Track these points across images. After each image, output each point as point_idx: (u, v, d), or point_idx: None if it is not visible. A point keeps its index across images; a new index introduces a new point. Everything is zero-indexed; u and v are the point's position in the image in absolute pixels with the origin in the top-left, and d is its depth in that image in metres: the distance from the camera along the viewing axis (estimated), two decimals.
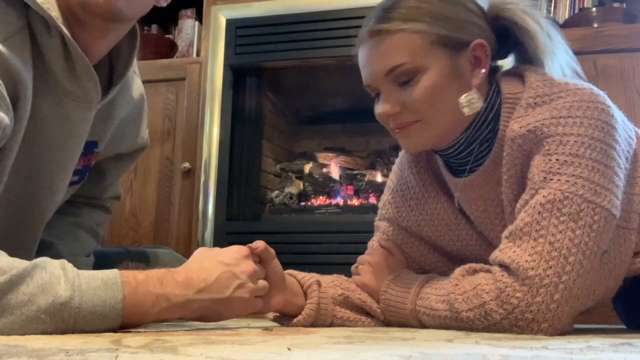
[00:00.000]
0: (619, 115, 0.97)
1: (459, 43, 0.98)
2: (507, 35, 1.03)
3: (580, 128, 0.91)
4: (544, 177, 0.91)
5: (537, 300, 0.86)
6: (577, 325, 0.99)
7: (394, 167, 1.22)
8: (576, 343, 0.72)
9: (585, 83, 0.99)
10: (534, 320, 0.87)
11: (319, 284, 1.05)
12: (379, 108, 1.01)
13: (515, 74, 1.04)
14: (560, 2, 2.21)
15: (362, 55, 1.02)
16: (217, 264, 0.85)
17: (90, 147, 1.10)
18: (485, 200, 1.05)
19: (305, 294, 1.04)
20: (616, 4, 2.16)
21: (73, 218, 1.22)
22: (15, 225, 1.02)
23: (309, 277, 1.06)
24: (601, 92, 0.96)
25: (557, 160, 0.91)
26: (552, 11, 2.20)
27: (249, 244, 0.94)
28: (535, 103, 0.96)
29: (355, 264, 1.15)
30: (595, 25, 2.02)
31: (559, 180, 0.90)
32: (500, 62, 1.10)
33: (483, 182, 1.03)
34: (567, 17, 2.17)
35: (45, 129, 0.97)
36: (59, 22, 0.89)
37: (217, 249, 0.91)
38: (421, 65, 0.96)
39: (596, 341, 0.75)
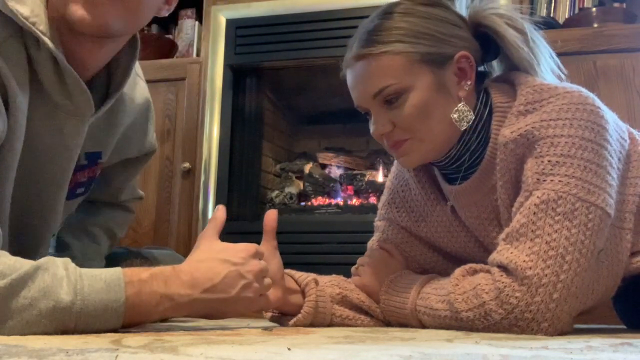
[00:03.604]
0: (609, 116, 0.97)
1: (442, 57, 0.99)
2: (490, 40, 1.03)
3: (570, 129, 0.92)
4: (537, 179, 0.92)
5: (537, 300, 0.87)
6: (577, 325, 0.99)
7: (393, 168, 1.22)
8: (576, 343, 0.72)
9: (574, 86, 0.99)
10: (533, 320, 0.87)
11: (316, 282, 1.06)
12: (372, 128, 1.04)
13: (505, 80, 1.05)
14: (560, 2, 2.21)
15: (350, 78, 1.04)
16: (223, 263, 0.84)
17: (94, 158, 1.09)
18: (479, 207, 1.05)
19: (303, 292, 1.05)
20: (616, 4, 2.16)
21: (91, 217, 1.22)
22: (19, 235, 1.01)
23: (306, 276, 1.06)
24: (590, 94, 0.97)
25: (549, 161, 0.92)
26: (552, 11, 2.20)
27: (266, 214, 1.01)
28: (526, 110, 0.97)
29: (355, 265, 1.15)
30: (595, 25, 2.02)
31: (552, 180, 0.91)
32: (488, 67, 1.11)
33: (475, 190, 1.04)
34: (567, 17, 2.17)
35: (36, 140, 0.95)
36: (46, 37, 0.87)
37: (223, 243, 0.89)
38: (407, 85, 0.98)
39: (596, 341, 0.75)
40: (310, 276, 1.06)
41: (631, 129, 1.06)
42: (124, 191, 1.29)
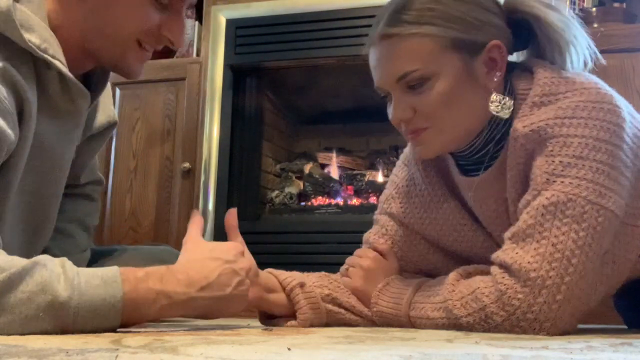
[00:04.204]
0: (627, 113, 0.94)
1: (474, 45, 0.95)
2: (523, 28, 0.99)
3: (584, 129, 0.90)
4: (547, 179, 0.90)
5: (539, 301, 0.86)
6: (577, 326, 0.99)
7: (399, 162, 1.18)
8: (576, 343, 0.72)
9: (593, 78, 0.96)
10: (536, 320, 0.86)
11: (301, 285, 1.02)
12: (392, 113, 0.99)
13: (526, 68, 1.01)
14: (560, 2, 2.21)
15: (373, 57, 0.99)
16: (217, 261, 0.85)
17: None
18: (497, 200, 1.02)
19: (288, 297, 1.02)
20: (616, 4, 2.16)
21: (58, 214, 1.20)
22: (29, 238, 1.03)
23: (291, 279, 1.02)
24: (609, 90, 0.94)
25: (560, 162, 0.90)
26: None
27: (227, 213, 1.00)
28: (541, 102, 0.94)
29: (345, 266, 1.11)
30: (595, 25, 2.02)
31: (562, 182, 0.89)
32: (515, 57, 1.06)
33: (495, 181, 1.01)
34: None
35: (45, 142, 0.98)
36: (57, 61, 0.92)
37: (211, 243, 0.91)
38: (434, 71, 0.94)
39: (596, 341, 0.75)
40: (295, 280, 1.02)
41: None
42: (85, 171, 1.26)
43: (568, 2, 2.19)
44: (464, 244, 1.09)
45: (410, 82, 0.95)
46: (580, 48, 0.99)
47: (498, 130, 0.99)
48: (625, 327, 1.22)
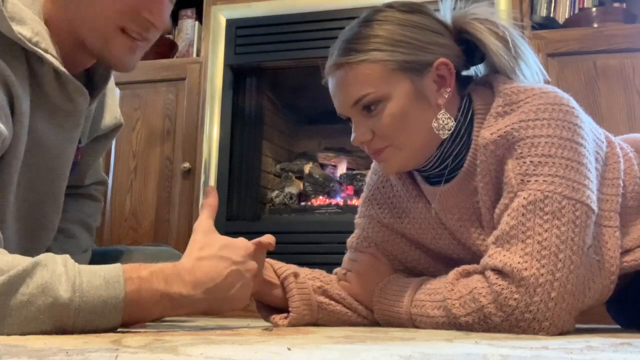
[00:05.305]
0: (584, 117, 0.99)
1: (421, 65, 0.99)
2: (475, 44, 1.03)
3: (548, 129, 0.93)
4: (521, 180, 0.93)
5: (536, 300, 0.87)
6: (577, 325, 0.99)
7: (373, 165, 1.21)
8: (576, 343, 0.72)
9: (550, 86, 1.00)
10: (534, 320, 0.87)
11: (295, 275, 1.05)
12: (352, 136, 1.05)
13: (485, 83, 1.05)
14: (560, 2, 2.21)
15: (331, 86, 1.05)
16: (225, 261, 0.84)
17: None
18: (461, 209, 1.05)
19: (282, 285, 1.05)
20: (616, 4, 2.16)
21: (61, 214, 1.21)
22: (26, 239, 1.03)
23: (285, 268, 1.06)
24: (565, 95, 0.98)
25: (531, 162, 0.93)
26: (552, 11, 2.20)
27: (259, 240, 0.93)
28: (504, 112, 0.98)
29: (343, 270, 1.13)
30: (595, 25, 2.02)
31: (536, 181, 0.92)
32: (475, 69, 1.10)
33: (458, 192, 1.04)
34: (567, 17, 2.17)
35: (41, 140, 0.98)
36: (49, 55, 0.91)
37: (222, 238, 0.88)
38: (385, 93, 0.99)
39: (596, 341, 0.75)
40: (289, 270, 1.06)
41: (607, 133, 1.08)
42: (89, 172, 1.27)
43: (568, 3, 2.19)
44: (440, 241, 1.11)
45: (365, 106, 1.00)
46: (529, 62, 1.03)
47: (455, 145, 1.02)
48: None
